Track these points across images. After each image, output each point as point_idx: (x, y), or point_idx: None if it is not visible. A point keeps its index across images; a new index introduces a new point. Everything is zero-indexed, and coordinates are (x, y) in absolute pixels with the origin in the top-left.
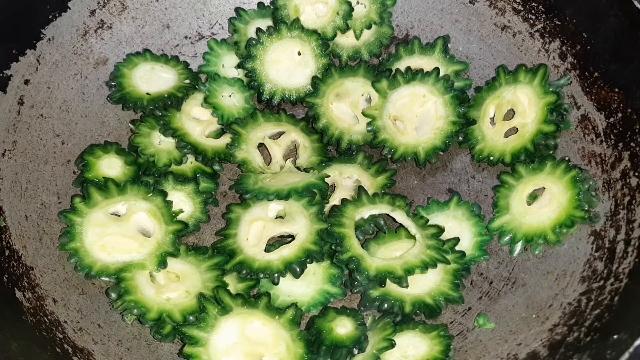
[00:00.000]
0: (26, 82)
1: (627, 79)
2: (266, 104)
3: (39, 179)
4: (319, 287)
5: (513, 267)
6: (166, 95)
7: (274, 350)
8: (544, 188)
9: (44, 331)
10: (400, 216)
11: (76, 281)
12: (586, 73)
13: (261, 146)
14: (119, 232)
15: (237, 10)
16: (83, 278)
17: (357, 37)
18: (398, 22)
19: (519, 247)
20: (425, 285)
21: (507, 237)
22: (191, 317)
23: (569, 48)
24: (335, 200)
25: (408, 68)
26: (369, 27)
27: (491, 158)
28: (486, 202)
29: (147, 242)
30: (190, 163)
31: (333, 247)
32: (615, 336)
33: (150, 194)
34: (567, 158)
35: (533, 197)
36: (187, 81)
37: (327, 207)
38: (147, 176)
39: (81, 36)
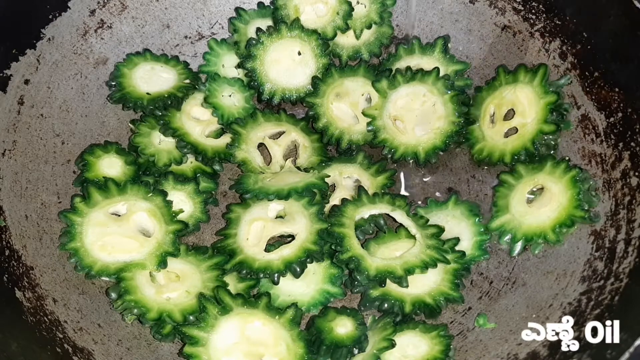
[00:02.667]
0: (26, 82)
1: (628, 78)
2: (266, 103)
3: (39, 178)
4: (319, 286)
5: (513, 267)
6: (166, 95)
7: (274, 350)
8: (544, 188)
9: (44, 331)
10: (400, 216)
11: (76, 281)
12: (586, 73)
13: (261, 146)
14: (119, 232)
15: (237, 10)
16: (83, 278)
17: (357, 37)
18: (398, 22)
19: (518, 247)
20: (426, 285)
21: (507, 237)
22: (191, 317)
23: (569, 48)
24: (335, 200)
25: (408, 68)
26: (369, 27)
27: (491, 158)
28: (486, 201)
29: (147, 242)
30: (190, 163)
31: (333, 247)
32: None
33: (150, 194)
34: (567, 158)
35: (533, 196)
36: (187, 81)
37: (327, 207)
38: (147, 176)
39: (81, 36)
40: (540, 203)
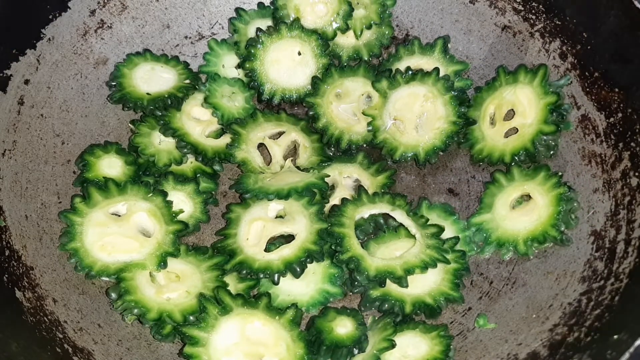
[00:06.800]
0: (26, 82)
1: (627, 78)
2: (266, 103)
3: (39, 178)
4: (318, 286)
5: (513, 267)
6: (166, 95)
7: (274, 351)
8: (531, 197)
9: (44, 331)
10: (400, 215)
11: (76, 281)
12: (586, 73)
13: (261, 146)
14: (119, 232)
15: (237, 10)
16: (83, 278)
17: (357, 37)
18: (398, 22)
19: (489, 249)
20: (426, 285)
21: (481, 236)
22: (191, 317)
23: (569, 48)
24: (335, 199)
25: (408, 68)
26: (369, 27)
27: (491, 158)
28: None
29: (147, 242)
30: (190, 163)
31: (333, 247)
32: (615, 336)
33: (150, 194)
34: (560, 173)
35: (519, 202)
36: (187, 81)
37: (327, 207)
38: (147, 176)
39: (81, 36)
40: (522, 211)
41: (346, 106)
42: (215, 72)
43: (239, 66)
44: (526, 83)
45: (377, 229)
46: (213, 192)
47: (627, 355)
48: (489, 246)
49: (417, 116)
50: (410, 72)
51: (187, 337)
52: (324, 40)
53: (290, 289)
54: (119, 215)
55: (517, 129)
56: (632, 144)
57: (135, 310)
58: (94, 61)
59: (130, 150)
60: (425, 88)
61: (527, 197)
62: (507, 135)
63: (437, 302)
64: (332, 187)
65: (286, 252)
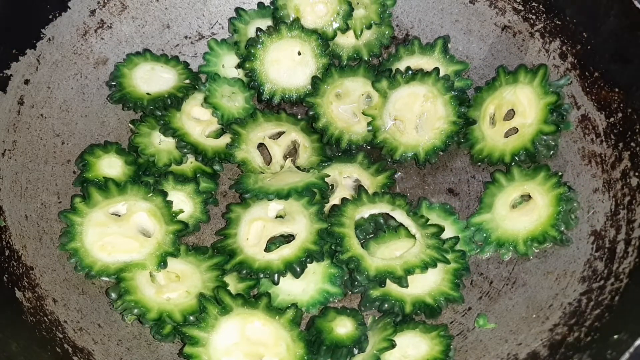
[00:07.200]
0: (26, 82)
1: (627, 78)
2: (266, 103)
3: (39, 178)
4: (318, 286)
5: (513, 267)
6: (166, 95)
7: (274, 351)
8: (531, 197)
9: (44, 331)
10: (400, 215)
11: (76, 281)
12: (586, 73)
13: (261, 146)
14: (119, 232)
15: (237, 10)
16: (83, 278)
17: (358, 37)
18: (398, 22)
19: (489, 249)
20: (426, 285)
21: (481, 236)
22: (191, 317)
23: (569, 48)
24: (335, 199)
25: (408, 68)
26: (369, 27)
27: (491, 158)
28: None
29: (147, 242)
30: (190, 163)
31: (333, 247)
32: (615, 336)
33: (150, 194)
34: (560, 173)
35: (519, 202)
36: (187, 81)
37: (327, 207)
38: (147, 176)
39: (81, 36)
40: (522, 211)
41: (346, 106)
42: (215, 72)
43: (239, 66)
44: (526, 83)
45: (377, 229)
46: (213, 192)
47: (627, 355)
48: (489, 246)
49: (417, 116)
50: (410, 72)
51: (187, 337)
52: (324, 40)
53: (290, 289)
54: (119, 215)
55: (517, 129)
56: (632, 144)
57: (135, 310)
58: (94, 61)
59: (130, 150)
60: (425, 88)
61: (527, 197)
62: (507, 135)
63: (437, 302)
64: (332, 187)
65: (286, 252)
